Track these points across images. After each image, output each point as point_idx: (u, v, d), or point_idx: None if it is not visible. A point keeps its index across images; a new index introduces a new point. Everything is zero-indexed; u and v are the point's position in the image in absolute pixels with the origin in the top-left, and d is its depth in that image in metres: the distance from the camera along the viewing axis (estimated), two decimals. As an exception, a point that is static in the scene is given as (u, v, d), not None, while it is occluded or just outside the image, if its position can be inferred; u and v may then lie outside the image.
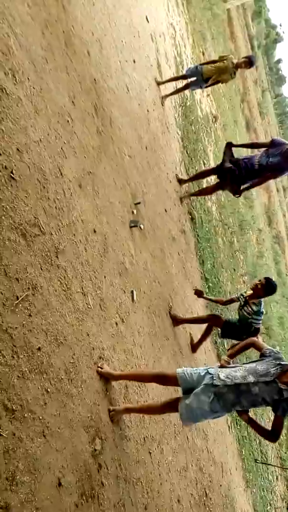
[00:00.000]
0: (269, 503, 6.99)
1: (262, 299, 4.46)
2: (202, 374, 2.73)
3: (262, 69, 40.86)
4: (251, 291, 4.46)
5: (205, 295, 5.18)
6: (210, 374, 2.71)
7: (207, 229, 7.45)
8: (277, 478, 8.20)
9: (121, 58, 4.53)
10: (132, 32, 5.22)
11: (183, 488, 3.57)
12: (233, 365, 2.83)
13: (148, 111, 5.22)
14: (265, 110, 34.03)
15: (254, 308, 4.44)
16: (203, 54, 11.42)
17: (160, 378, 2.90)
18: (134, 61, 5.03)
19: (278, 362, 2.68)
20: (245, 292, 4.60)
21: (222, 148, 5.81)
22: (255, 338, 3.11)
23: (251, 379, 2.63)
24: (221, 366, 2.79)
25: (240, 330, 4.59)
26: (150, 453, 3.09)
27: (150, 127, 5.09)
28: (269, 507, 6.86)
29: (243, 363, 2.82)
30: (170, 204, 5.46)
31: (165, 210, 5.16)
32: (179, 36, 8.82)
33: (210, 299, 5.30)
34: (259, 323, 4.53)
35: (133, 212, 3.85)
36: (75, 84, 3.15)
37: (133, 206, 3.91)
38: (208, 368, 2.79)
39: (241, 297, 4.63)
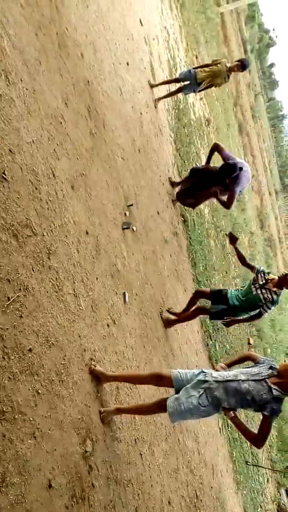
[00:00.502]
0: (260, 505, 7.00)
1: (283, 291, 4.23)
2: (196, 373, 2.76)
3: (255, 73, 41.14)
4: (277, 278, 4.16)
5: (237, 245, 4.64)
6: (204, 372, 2.74)
7: (199, 231, 7.47)
8: (267, 480, 8.23)
9: (115, 61, 4.54)
10: (126, 35, 5.24)
11: (174, 490, 3.57)
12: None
13: (141, 113, 5.23)
14: (258, 114, 34.25)
15: (274, 296, 4.15)
16: (196, 57, 11.48)
17: (155, 378, 2.89)
18: (127, 64, 5.05)
19: (270, 366, 2.72)
20: (268, 274, 4.29)
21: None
22: (251, 352, 3.12)
23: (242, 377, 2.67)
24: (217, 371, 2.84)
25: (240, 308, 4.36)
26: (141, 454, 3.09)
27: (143, 130, 5.10)
28: (259, 509, 6.88)
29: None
30: (163, 206, 5.47)
31: (158, 213, 5.17)
32: (173, 39, 8.85)
33: (239, 251, 4.63)
34: (268, 312, 4.35)
35: (125, 214, 3.86)
36: (68, 86, 3.16)
37: (126, 208, 3.92)
38: (203, 368, 2.82)
39: (262, 274, 4.26)
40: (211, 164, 5.51)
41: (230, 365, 3.06)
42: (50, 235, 2.40)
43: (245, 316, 4.40)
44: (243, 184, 5.15)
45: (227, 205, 5.25)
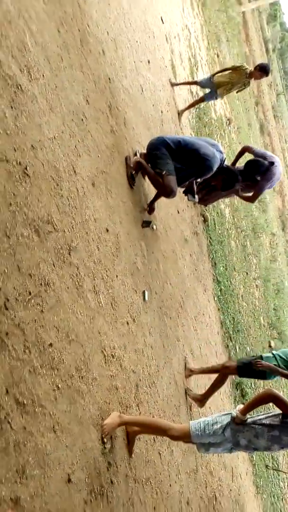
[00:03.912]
0: (280, 510, 6.89)
1: None
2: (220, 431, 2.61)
3: (277, 72, 40.66)
4: None
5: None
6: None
7: (220, 231, 7.42)
8: (288, 485, 8.09)
9: (136, 58, 4.54)
10: (147, 33, 5.23)
11: (193, 491, 3.54)
12: (251, 420, 2.65)
13: (162, 112, 5.22)
14: (280, 114, 33.83)
15: None
16: (218, 56, 11.41)
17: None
18: (148, 62, 5.04)
19: None
20: None
21: (236, 150, 5.80)
22: (273, 390, 2.72)
23: (275, 448, 2.60)
24: (236, 423, 2.64)
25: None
26: (159, 454, 3.07)
27: (164, 128, 5.09)
28: (280, 514, 6.78)
29: (262, 423, 2.63)
30: (183, 205, 5.44)
31: (178, 212, 5.15)
32: (194, 38, 8.82)
33: None
34: None
35: (145, 209, 3.84)
36: (89, 82, 3.17)
37: (147, 206, 3.91)
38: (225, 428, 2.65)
39: None
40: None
41: (247, 410, 2.69)
42: (71, 232, 2.41)
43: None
44: (274, 179, 5.01)
45: (251, 199, 5.17)
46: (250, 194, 5.17)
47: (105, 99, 3.44)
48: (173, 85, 6.08)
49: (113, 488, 2.29)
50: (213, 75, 5.97)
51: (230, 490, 4.66)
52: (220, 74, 5.93)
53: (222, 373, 3.93)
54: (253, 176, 4.84)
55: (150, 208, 3.94)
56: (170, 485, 3.11)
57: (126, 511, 2.37)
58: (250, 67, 5.82)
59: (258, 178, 4.84)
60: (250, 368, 3.62)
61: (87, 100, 3.05)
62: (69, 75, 2.82)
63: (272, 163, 4.82)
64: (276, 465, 7.40)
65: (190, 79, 7.49)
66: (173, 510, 3.04)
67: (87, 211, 2.67)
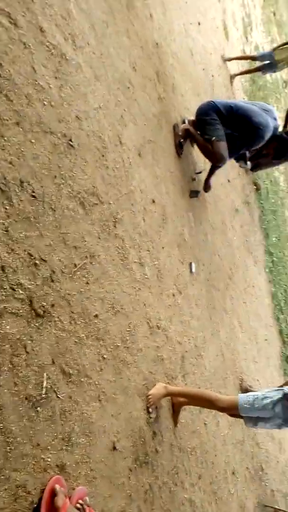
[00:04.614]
0: None
1: None
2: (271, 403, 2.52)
3: None
4: None
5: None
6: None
7: (273, 200, 7.16)
8: None
9: (185, 21, 4.35)
10: (198, -8, 4.99)
11: (239, 461, 3.56)
12: None
13: (212, 76, 5.01)
14: None
15: None
16: (274, 14, 10.74)
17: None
18: (199, 24, 4.82)
19: None
20: None
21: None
22: None
23: None
24: None
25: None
26: (205, 424, 3.09)
27: (215, 93, 4.89)
28: None
29: None
30: (234, 174, 5.27)
31: (228, 180, 5.00)
32: (249, -5, 8.33)
33: None
34: None
35: (193, 179, 3.75)
36: (136, 49, 3.07)
37: (194, 176, 3.81)
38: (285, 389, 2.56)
39: None
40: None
41: None
42: (116, 204, 2.39)
43: None
44: None
45: None
46: None
47: (153, 65, 3.33)
48: (226, 60, 5.78)
49: (158, 457, 2.33)
50: (274, 49, 5.70)
51: (277, 461, 4.65)
52: (282, 48, 5.62)
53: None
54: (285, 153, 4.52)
55: (206, 186, 3.85)
56: (216, 455, 3.14)
57: (170, 479, 2.42)
58: None
59: None
60: None
61: (133, 67, 2.97)
62: (115, 41, 2.74)
63: None
64: None
65: (244, 40, 7.13)
66: (218, 479, 3.08)
67: (133, 182, 2.64)
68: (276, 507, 4.12)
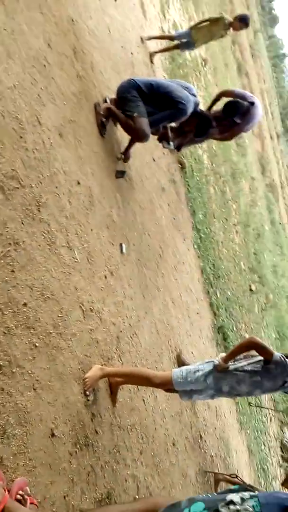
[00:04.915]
0: (263, 443, 7.30)
1: None
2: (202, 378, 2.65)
3: (254, 8, 38.92)
4: None
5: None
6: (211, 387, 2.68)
7: (198, 178, 7.31)
8: (270, 420, 8.53)
9: (101, -4, 4.24)
10: None
11: (178, 433, 3.68)
12: (233, 367, 2.68)
13: (132, 53, 4.96)
14: (258, 53, 32.72)
15: None
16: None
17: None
18: (115, 0, 4.72)
19: (285, 377, 2.57)
20: None
21: (213, 93, 5.59)
22: (256, 338, 2.72)
23: (257, 392, 2.66)
24: (219, 371, 2.66)
25: None
26: (144, 400, 3.15)
27: (135, 71, 4.85)
28: (263, 447, 7.18)
29: (244, 369, 2.66)
30: (159, 153, 5.30)
31: (154, 160, 5.02)
32: (164, -28, 8.27)
33: None
34: None
35: (118, 159, 3.72)
36: (51, 25, 2.95)
37: (120, 156, 3.78)
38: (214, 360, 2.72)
39: None
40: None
41: (230, 358, 2.70)
42: (39, 187, 2.31)
43: None
44: (253, 122, 4.77)
45: (228, 137, 4.96)
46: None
47: (69, 42, 3.22)
48: (144, 40, 5.72)
49: (98, 438, 2.35)
50: (191, 28, 5.75)
51: (215, 428, 4.87)
52: (198, 26, 5.67)
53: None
54: (232, 118, 4.64)
55: (125, 156, 3.81)
56: (156, 429, 3.22)
57: (112, 458, 2.45)
58: (229, 17, 5.57)
59: (238, 120, 4.65)
60: None
61: (48, 44, 2.85)
62: (27, 17, 2.61)
63: (252, 103, 4.62)
64: (259, 402, 7.75)
65: (162, 17, 7.11)
66: (160, 452, 3.17)
67: (56, 164, 2.56)
68: (216, 471, 4.34)
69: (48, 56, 2.79)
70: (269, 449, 7.58)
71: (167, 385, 2.72)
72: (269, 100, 38.93)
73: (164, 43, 6.40)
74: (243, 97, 4.70)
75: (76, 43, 3.34)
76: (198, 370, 2.67)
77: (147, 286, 3.81)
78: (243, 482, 4.28)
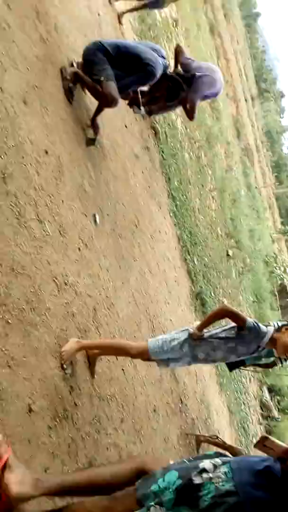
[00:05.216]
0: (243, 402, 7.54)
1: None
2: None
3: None
4: None
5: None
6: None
7: (172, 144, 7.20)
8: (250, 380, 8.80)
9: None
10: None
11: (159, 399, 3.74)
12: (208, 334, 2.72)
13: (99, 14, 4.74)
14: (230, 12, 31.87)
15: None
16: None
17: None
18: None
19: (258, 342, 2.61)
20: None
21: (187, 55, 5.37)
22: (227, 305, 2.84)
23: (232, 358, 2.72)
24: (193, 339, 2.69)
25: None
26: (123, 370, 3.17)
27: (102, 33, 4.64)
28: (243, 406, 7.42)
29: (218, 336, 2.70)
30: (131, 119, 5.17)
31: (126, 126, 4.90)
32: None
33: None
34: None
35: (89, 129, 3.60)
36: (8, -17, 2.76)
37: (90, 123, 3.66)
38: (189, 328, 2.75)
39: None
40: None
41: (204, 326, 2.74)
42: (4, 158, 2.21)
43: None
44: (202, 91, 4.46)
45: (189, 116, 4.75)
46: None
47: (30, 3, 3.03)
48: (112, 1, 5.44)
49: (78, 410, 2.36)
50: None
51: (195, 392, 4.99)
52: None
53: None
54: (177, 93, 4.37)
55: (94, 125, 3.68)
56: (136, 397, 3.26)
57: (93, 428, 2.47)
58: None
59: (184, 94, 4.39)
60: None
61: (8, 5, 2.67)
62: (-19, -28, 2.43)
63: (193, 76, 4.35)
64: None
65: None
66: (141, 419, 3.22)
67: (21, 133, 2.45)
68: (197, 433, 4.46)
69: (7, 18, 2.62)
70: (249, 408, 7.84)
71: (144, 355, 2.74)
72: (243, 61, 38.31)
73: (133, 3, 6.14)
74: (186, 67, 4.41)
75: (38, 3, 3.15)
76: (173, 339, 2.69)
77: (123, 256, 3.77)
78: (224, 442, 4.42)
